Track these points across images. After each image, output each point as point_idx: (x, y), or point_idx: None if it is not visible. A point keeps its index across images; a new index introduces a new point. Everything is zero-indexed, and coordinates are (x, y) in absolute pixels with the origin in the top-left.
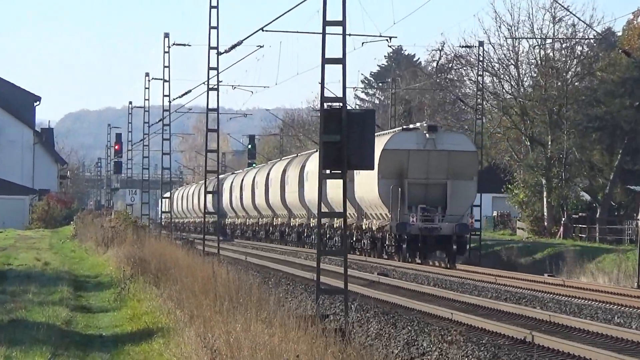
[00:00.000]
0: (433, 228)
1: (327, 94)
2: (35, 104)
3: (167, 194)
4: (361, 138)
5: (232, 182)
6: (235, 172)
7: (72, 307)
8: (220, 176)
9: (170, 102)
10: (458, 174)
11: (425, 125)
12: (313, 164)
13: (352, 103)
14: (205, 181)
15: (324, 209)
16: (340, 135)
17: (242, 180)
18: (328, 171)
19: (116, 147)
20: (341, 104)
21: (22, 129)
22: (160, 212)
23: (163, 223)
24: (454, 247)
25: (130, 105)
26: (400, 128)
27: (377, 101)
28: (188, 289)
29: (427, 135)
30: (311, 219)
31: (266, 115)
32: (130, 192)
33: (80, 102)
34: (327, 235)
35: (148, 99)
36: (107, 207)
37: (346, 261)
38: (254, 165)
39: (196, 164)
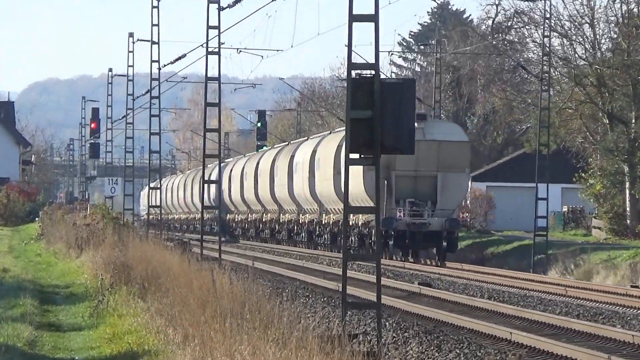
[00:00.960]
0: (421, 224)
1: (356, 59)
2: None
3: (156, 184)
4: (398, 114)
5: (236, 169)
6: (243, 156)
7: (37, 324)
8: (257, 154)
9: (159, 69)
10: (449, 165)
11: None
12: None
13: (386, 71)
14: (204, 168)
15: (310, 205)
16: (372, 111)
17: (245, 167)
18: (357, 156)
19: (92, 125)
20: (373, 72)
21: None
22: (145, 207)
23: (151, 220)
24: (444, 244)
25: (110, 74)
26: None
27: (417, 68)
28: (182, 302)
29: (415, 124)
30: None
31: (280, 86)
32: (111, 182)
33: (47, 69)
34: (317, 233)
35: (132, 65)
36: (81, 200)
37: (379, 268)
38: (264, 147)
39: (192, 147)
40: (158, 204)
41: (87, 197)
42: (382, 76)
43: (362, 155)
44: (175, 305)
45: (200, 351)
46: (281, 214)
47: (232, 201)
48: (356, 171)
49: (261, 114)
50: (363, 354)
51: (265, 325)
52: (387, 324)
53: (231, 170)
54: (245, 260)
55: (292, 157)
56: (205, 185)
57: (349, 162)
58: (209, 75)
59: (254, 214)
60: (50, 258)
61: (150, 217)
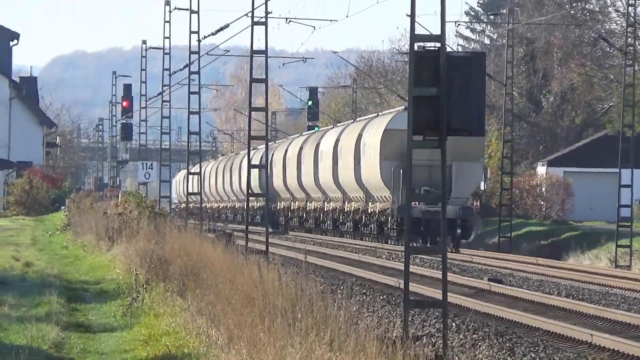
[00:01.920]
0: (436, 211)
1: (419, 30)
2: (11, 43)
3: (196, 169)
4: (466, 92)
5: (278, 153)
6: (285, 139)
7: (65, 324)
8: (271, 144)
9: (199, 41)
10: (463, 155)
11: None
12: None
13: (452, 43)
14: (249, 151)
15: (333, 193)
16: (437, 88)
17: (287, 151)
18: (420, 137)
19: (124, 103)
20: (439, 45)
21: None
22: (178, 194)
23: (190, 209)
24: (458, 231)
25: (144, 46)
26: (403, 107)
27: (487, 41)
28: (226, 301)
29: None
30: (369, 203)
31: (333, 60)
32: (145, 166)
33: (74, 40)
34: (362, 222)
35: (169, 37)
36: (112, 186)
37: (445, 262)
38: (316, 129)
39: (235, 128)
40: (198, 190)
41: (118, 183)
42: (448, 49)
43: (426, 137)
44: (218, 303)
45: (247, 354)
46: (325, 202)
47: (275, 188)
48: (373, 160)
49: (312, 92)
50: (427, 358)
51: (319, 326)
52: (453, 324)
53: (273, 154)
54: (296, 253)
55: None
56: (251, 170)
57: (412, 145)
58: (254, 48)
59: (296, 202)
60: (78, 251)
61: (189, 205)
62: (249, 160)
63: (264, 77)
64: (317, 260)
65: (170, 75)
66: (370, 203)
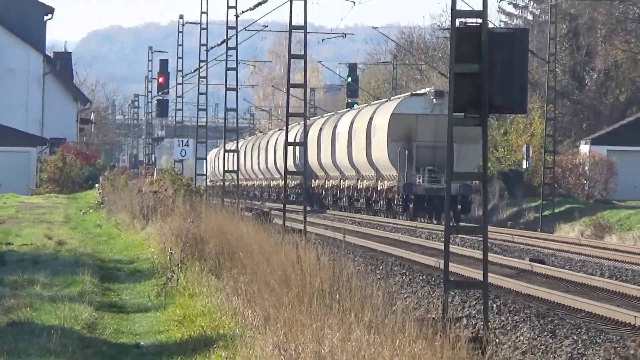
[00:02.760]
0: (438, 189)
1: (461, 6)
2: (45, 18)
3: (232, 146)
4: (509, 68)
5: (313, 131)
6: (329, 114)
7: (98, 304)
8: (309, 121)
9: (237, 16)
10: (464, 137)
11: (432, 91)
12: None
13: (494, 19)
14: (287, 128)
15: (348, 172)
16: (479, 65)
17: (322, 128)
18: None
19: (160, 79)
20: (480, 21)
21: (27, 52)
22: (213, 172)
23: (226, 187)
24: (459, 207)
25: (180, 21)
26: (409, 93)
27: (530, 17)
28: (262, 281)
29: (434, 100)
30: (379, 181)
31: (373, 36)
32: (181, 144)
33: (109, 15)
34: (395, 201)
35: (206, 12)
36: (147, 164)
37: (486, 241)
38: (355, 105)
39: (273, 104)
40: (235, 168)
41: (153, 160)
42: (490, 25)
43: (467, 115)
44: (254, 283)
45: (283, 336)
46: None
47: (310, 166)
48: (381, 141)
49: (352, 68)
50: (468, 339)
51: (357, 307)
52: (494, 306)
53: (308, 132)
54: (334, 232)
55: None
56: (289, 147)
57: (452, 122)
58: (293, 23)
59: (331, 180)
60: (112, 229)
61: (226, 183)
62: (287, 137)
63: (302, 53)
64: (355, 240)
65: (207, 50)
66: (379, 182)
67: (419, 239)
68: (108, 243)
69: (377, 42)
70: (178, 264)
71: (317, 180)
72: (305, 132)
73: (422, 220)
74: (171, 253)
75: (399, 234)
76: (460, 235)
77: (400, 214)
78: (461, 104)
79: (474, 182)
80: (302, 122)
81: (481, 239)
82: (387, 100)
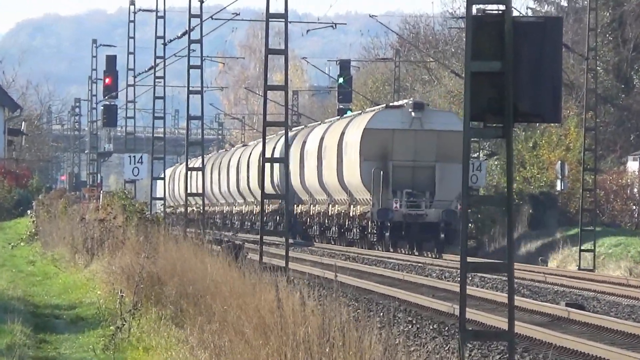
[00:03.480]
0: (418, 215)
1: None
2: None
3: (196, 162)
4: (538, 66)
5: (301, 145)
6: (315, 124)
7: None
8: (291, 132)
9: (202, 1)
10: (448, 156)
11: (410, 102)
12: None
13: (521, 6)
14: (264, 140)
15: (319, 195)
16: (501, 62)
17: (307, 142)
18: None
19: (107, 80)
20: (503, 7)
21: None
22: (172, 195)
23: (190, 213)
24: (442, 235)
25: (131, 8)
26: (384, 105)
27: (564, 2)
28: (234, 330)
29: (412, 113)
30: (351, 206)
31: (370, 26)
32: (133, 160)
33: (43, 1)
34: (325, 224)
35: None
36: (91, 185)
37: (512, 282)
38: (349, 112)
39: (247, 111)
40: (200, 190)
41: (99, 181)
42: (516, 13)
43: (487, 124)
44: (225, 334)
45: None
46: (330, 205)
47: (293, 187)
48: (353, 160)
49: (344, 66)
50: None
51: None
52: None
53: (290, 146)
54: (323, 270)
55: (342, 134)
56: (267, 165)
57: (469, 134)
58: (271, 10)
59: (317, 206)
60: (48, 267)
61: (189, 209)
62: (264, 152)
63: (282, 47)
64: (349, 280)
65: (165, 44)
66: (352, 206)
67: (428, 279)
68: (43, 284)
69: (374, 34)
70: (130, 310)
71: (300, 206)
72: (287, 146)
73: (403, 252)
74: (122, 296)
75: (404, 272)
76: (480, 274)
77: (375, 243)
78: (479, 110)
79: (459, 207)
80: (283, 133)
81: (505, 278)
82: (360, 113)
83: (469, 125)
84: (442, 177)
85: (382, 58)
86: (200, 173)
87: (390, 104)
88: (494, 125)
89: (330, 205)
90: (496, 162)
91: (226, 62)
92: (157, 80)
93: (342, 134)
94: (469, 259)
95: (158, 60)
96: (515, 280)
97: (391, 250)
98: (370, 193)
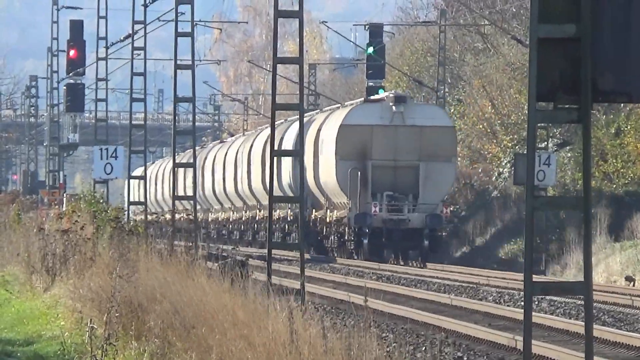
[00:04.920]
0: (400, 220)
1: None
2: None
3: (186, 157)
4: (625, 32)
5: (317, 132)
6: (335, 107)
7: None
8: (307, 118)
9: None
10: (432, 154)
11: (391, 96)
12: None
13: None
14: (273, 128)
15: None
16: (576, 25)
17: (320, 129)
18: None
19: (72, 52)
20: None
21: None
22: (162, 197)
23: (179, 221)
24: (426, 242)
25: None
26: (362, 100)
27: None
28: None
29: (393, 107)
30: (328, 211)
31: None
32: (105, 154)
33: None
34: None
35: None
36: (51, 186)
37: (590, 306)
38: (380, 91)
39: (251, 90)
40: (190, 193)
41: (61, 181)
42: None
43: (558, 105)
44: None
45: None
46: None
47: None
48: (329, 160)
49: (374, 32)
50: None
51: None
52: None
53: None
54: (349, 293)
55: (319, 131)
56: (275, 159)
57: (536, 117)
58: None
59: (335, 212)
60: None
61: (177, 216)
62: (272, 143)
63: (296, 8)
64: (382, 305)
65: (145, 6)
66: (328, 211)
67: (482, 303)
68: None
69: None
70: (103, 346)
71: (317, 212)
72: (302, 135)
73: (394, 262)
74: (92, 327)
75: (451, 294)
76: (548, 297)
77: (353, 251)
78: (548, 87)
79: (444, 212)
80: (297, 118)
81: (582, 302)
82: (339, 107)
83: (535, 106)
84: (427, 178)
85: (424, 22)
86: (191, 170)
87: (369, 97)
88: (567, 106)
89: (258, 210)
90: (569, 154)
91: (224, 28)
92: (135, 52)
93: (319, 130)
94: (535, 278)
95: (137, 27)
96: (595, 305)
97: (381, 261)
98: (347, 196)
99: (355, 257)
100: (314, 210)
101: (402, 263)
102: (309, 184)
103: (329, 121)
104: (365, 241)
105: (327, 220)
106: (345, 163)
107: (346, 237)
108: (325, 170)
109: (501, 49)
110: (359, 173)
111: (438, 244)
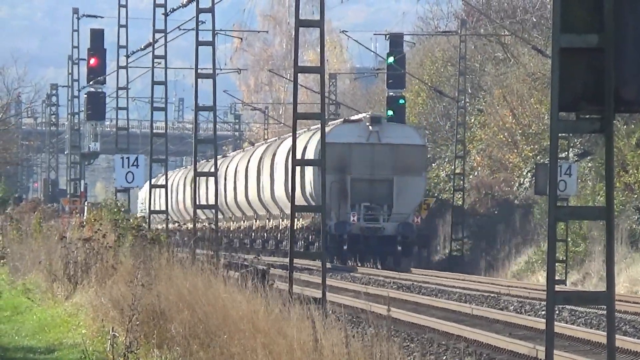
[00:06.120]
0: (376, 228)
1: None
2: None
3: (207, 166)
4: None
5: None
6: (360, 116)
7: None
8: (330, 127)
9: None
10: (405, 169)
11: (368, 117)
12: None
13: None
14: (295, 137)
15: (288, 209)
16: (599, 35)
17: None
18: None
19: (93, 61)
20: None
21: None
22: (184, 207)
23: (200, 230)
24: (399, 248)
25: None
26: (342, 120)
27: None
28: None
29: (370, 127)
30: (334, 219)
31: None
32: (126, 162)
33: None
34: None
35: None
36: (72, 195)
37: (612, 316)
38: (401, 101)
39: (271, 99)
40: (212, 202)
41: (82, 189)
42: None
43: (580, 115)
44: None
45: None
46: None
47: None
48: (313, 174)
49: (395, 42)
50: None
51: None
52: None
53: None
54: (369, 302)
55: (305, 148)
56: (298, 168)
57: (558, 127)
58: None
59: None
60: (18, 299)
61: (199, 225)
62: (294, 152)
63: (317, 17)
64: (405, 315)
65: (166, 14)
66: (314, 220)
67: (503, 313)
68: (13, 321)
69: (433, 1)
70: (124, 354)
71: (304, 220)
72: (324, 143)
73: (369, 265)
74: (113, 335)
75: (472, 304)
76: (569, 307)
77: (333, 256)
78: (571, 97)
79: (415, 220)
80: (319, 127)
81: (604, 311)
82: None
83: (558, 116)
84: (400, 191)
85: (444, 31)
86: (212, 180)
87: (347, 118)
88: (589, 116)
89: (281, 220)
90: (589, 164)
91: (244, 37)
92: (156, 60)
93: (305, 147)
94: (557, 288)
95: (157, 36)
96: (616, 315)
97: (358, 264)
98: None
99: (335, 262)
100: (286, 218)
101: (379, 267)
102: (284, 196)
103: (313, 139)
104: (345, 247)
105: (312, 228)
106: (327, 177)
107: (327, 244)
108: (310, 183)
109: (522, 58)
110: (339, 186)
111: (410, 250)
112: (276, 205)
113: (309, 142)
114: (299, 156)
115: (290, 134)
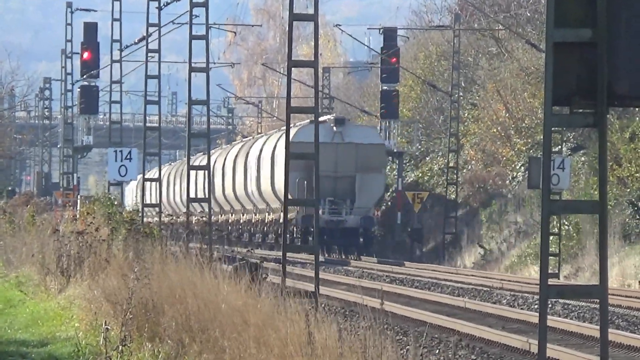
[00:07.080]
0: (339, 221)
1: None
2: None
3: (200, 159)
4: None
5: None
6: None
7: None
8: (297, 128)
9: None
10: (366, 167)
11: (332, 118)
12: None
13: None
14: (288, 130)
15: (261, 204)
16: (592, 30)
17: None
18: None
19: (86, 54)
20: None
21: None
22: (173, 200)
23: (193, 223)
24: (361, 239)
25: None
26: (308, 121)
27: None
28: None
29: (334, 128)
30: (301, 213)
31: None
32: (119, 156)
33: None
34: (264, 230)
35: None
36: (65, 188)
37: (605, 310)
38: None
39: (265, 94)
40: (205, 195)
41: (75, 183)
42: None
43: (574, 110)
44: None
45: None
46: (267, 214)
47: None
48: (281, 171)
49: (388, 36)
50: None
51: None
52: None
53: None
54: (362, 296)
55: (275, 147)
56: (268, 165)
57: (551, 121)
58: None
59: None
60: (11, 292)
61: (192, 218)
62: (287, 145)
63: (311, 11)
64: (397, 309)
65: (159, 8)
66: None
67: (495, 306)
68: (6, 314)
69: None
70: (118, 347)
71: (274, 214)
72: (317, 136)
73: (336, 256)
74: (106, 329)
75: (465, 297)
76: (562, 300)
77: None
78: (564, 92)
79: (376, 214)
80: (312, 121)
81: (596, 305)
82: (293, 125)
83: (551, 110)
84: (362, 186)
85: (438, 26)
86: (205, 173)
87: (313, 119)
88: (583, 110)
89: (267, 214)
90: (582, 159)
91: (238, 31)
92: (149, 54)
93: (275, 146)
94: (550, 283)
95: (151, 29)
96: (609, 309)
97: (326, 255)
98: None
99: (304, 252)
100: (272, 212)
101: (343, 257)
102: (269, 190)
103: (282, 139)
104: (311, 238)
105: (281, 221)
106: (293, 174)
107: (294, 235)
108: (280, 180)
109: (515, 53)
110: (306, 182)
111: (370, 241)
112: (262, 199)
113: (278, 142)
114: (267, 156)
115: (277, 129)
